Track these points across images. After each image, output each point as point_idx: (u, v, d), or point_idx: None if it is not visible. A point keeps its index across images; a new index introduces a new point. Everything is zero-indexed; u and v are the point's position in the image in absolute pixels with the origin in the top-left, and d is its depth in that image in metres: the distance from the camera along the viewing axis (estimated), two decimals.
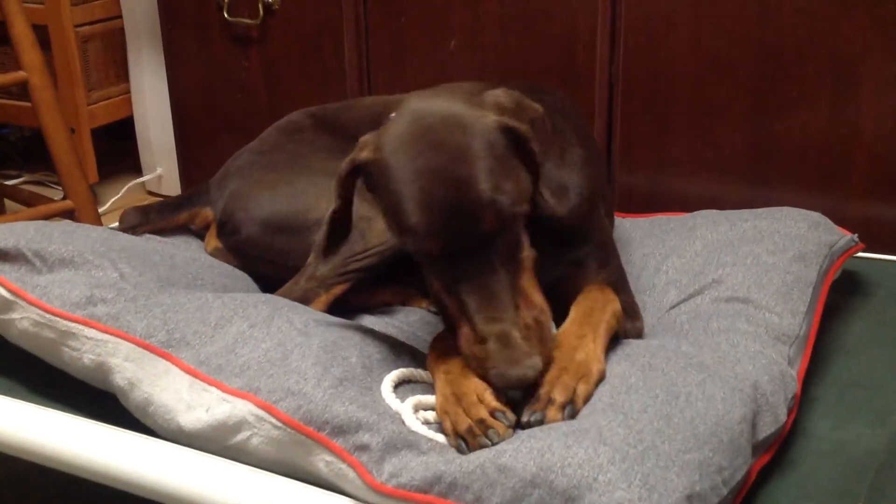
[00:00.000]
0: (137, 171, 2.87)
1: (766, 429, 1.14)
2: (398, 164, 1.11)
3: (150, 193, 2.84)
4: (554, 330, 1.16)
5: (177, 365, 1.22)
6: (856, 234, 1.58)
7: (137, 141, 2.83)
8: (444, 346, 1.19)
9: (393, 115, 1.17)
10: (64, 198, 2.28)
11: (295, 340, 1.21)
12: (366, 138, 1.18)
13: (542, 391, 1.08)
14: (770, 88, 1.83)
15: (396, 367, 1.21)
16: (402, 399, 1.15)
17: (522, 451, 0.99)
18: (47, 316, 1.31)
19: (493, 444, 1.02)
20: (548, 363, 1.10)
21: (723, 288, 1.37)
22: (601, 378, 1.12)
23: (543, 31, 1.98)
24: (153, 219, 1.69)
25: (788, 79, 1.81)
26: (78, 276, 1.35)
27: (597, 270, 1.31)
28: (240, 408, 1.15)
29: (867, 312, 1.55)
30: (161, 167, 2.81)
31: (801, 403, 1.26)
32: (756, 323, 1.28)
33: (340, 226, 1.24)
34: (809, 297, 1.37)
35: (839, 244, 1.52)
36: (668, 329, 1.33)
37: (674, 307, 1.39)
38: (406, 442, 1.07)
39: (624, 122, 1.96)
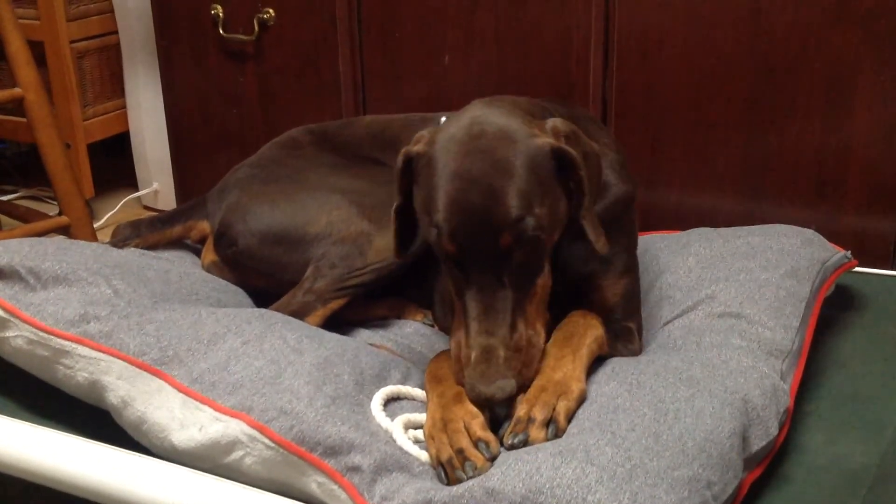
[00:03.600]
0: (133, 187, 2.87)
1: (758, 442, 1.14)
2: (443, 161, 1.14)
3: (146, 208, 2.84)
4: None
5: (170, 383, 1.22)
6: (849, 251, 1.58)
7: (133, 156, 2.84)
8: (442, 367, 1.20)
9: (444, 117, 1.20)
10: (60, 213, 2.28)
11: (288, 358, 1.21)
12: (421, 133, 1.21)
13: (522, 412, 1.09)
14: (763, 103, 1.84)
15: (388, 385, 1.21)
16: (393, 416, 1.15)
17: (511, 475, 0.99)
18: (41, 334, 1.31)
19: (469, 478, 1.02)
20: (527, 386, 1.11)
21: (716, 303, 1.37)
22: (582, 396, 1.12)
23: (537, 47, 1.99)
24: (144, 232, 1.68)
25: (781, 93, 1.82)
26: (72, 293, 1.35)
27: (619, 275, 1.33)
28: (233, 427, 1.15)
29: (860, 326, 1.55)
30: (157, 182, 2.81)
31: (795, 418, 1.27)
32: (749, 338, 1.29)
33: (406, 223, 1.25)
34: (802, 311, 1.37)
35: (832, 260, 1.52)
36: (662, 345, 1.33)
37: (667, 323, 1.39)
38: (398, 464, 1.07)
39: (617, 137, 1.96)
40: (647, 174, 1.97)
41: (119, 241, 1.67)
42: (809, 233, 1.56)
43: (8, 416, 1.32)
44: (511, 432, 1.07)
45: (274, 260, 1.53)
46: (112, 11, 2.71)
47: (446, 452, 1.06)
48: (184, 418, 1.18)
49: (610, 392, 1.13)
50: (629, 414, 1.07)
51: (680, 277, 1.48)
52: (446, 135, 1.16)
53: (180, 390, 1.20)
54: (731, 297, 1.37)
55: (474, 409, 1.10)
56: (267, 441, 1.12)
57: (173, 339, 1.26)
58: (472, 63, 2.06)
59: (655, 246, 1.61)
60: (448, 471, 1.05)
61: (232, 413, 1.16)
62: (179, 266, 1.59)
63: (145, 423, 1.22)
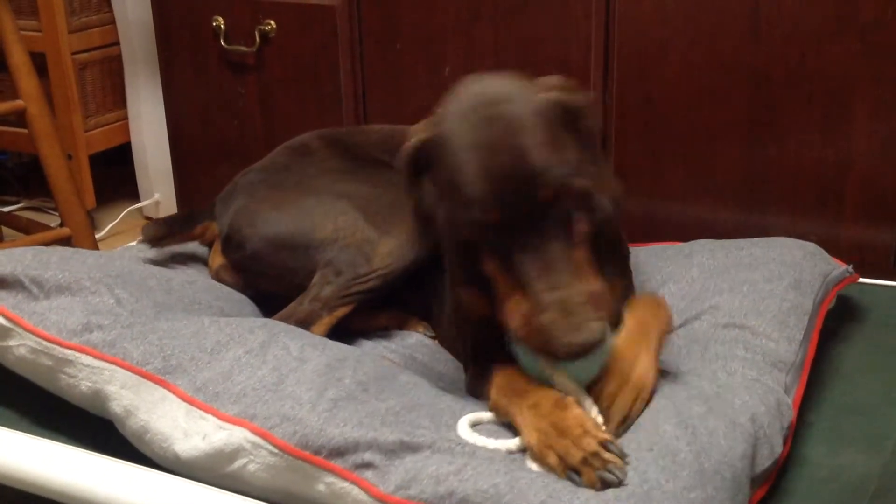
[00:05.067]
0: (135, 197, 2.87)
1: (764, 462, 1.14)
2: (458, 136, 1.13)
3: (147, 219, 2.84)
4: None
5: (173, 392, 1.22)
6: (851, 266, 1.59)
7: (135, 167, 2.84)
8: (514, 381, 1.17)
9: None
10: (61, 224, 2.28)
11: (290, 366, 1.21)
12: (416, 126, 1.21)
13: (602, 405, 1.11)
14: (762, 115, 1.85)
15: (391, 386, 1.21)
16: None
17: (531, 492, 1.00)
18: (44, 343, 1.31)
19: (620, 481, 1.01)
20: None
21: (720, 314, 1.37)
22: (653, 393, 1.14)
23: (536, 59, 1.99)
24: (175, 230, 1.68)
25: (780, 105, 1.83)
26: (75, 302, 1.35)
27: (625, 288, 1.33)
28: (236, 435, 1.15)
29: (861, 337, 1.56)
30: (158, 193, 2.82)
31: (797, 429, 1.27)
32: (753, 350, 1.29)
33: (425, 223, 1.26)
34: (806, 324, 1.37)
35: (833, 274, 1.52)
36: (667, 354, 1.33)
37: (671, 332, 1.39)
38: (410, 456, 1.07)
39: (618, 150, 1.98)
40: (647, 185, 1.97)
41: (153, 239, 1.67)
42: (812, 246, 1.57)
43: (10, 427, 1.32)
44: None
45: (280, 264, 1.54)
46: (114, 23, 2.72)
47: (577, 454, 1.04)
48: (188, 427, 1.19)
49: None
50: (648, 430, 1.08)
51: (683, 287, 1.48)
52: (452, 113, 1.16)
53: (184, 399, 1.21)
54: (735, 308, 1.37)
55: (583, 413, 1.09)
56: (270, 447, 1.13)
57: (176, 349, 1.26)
58: (472, 74, 2.06)
59: (658, 256, 1.61)
60: (584, 471, 1.02)
61: (235, 421, 1.16)
62: (181, 274, 1.60)
63: (148, 432, 1.22)
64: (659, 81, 1.91)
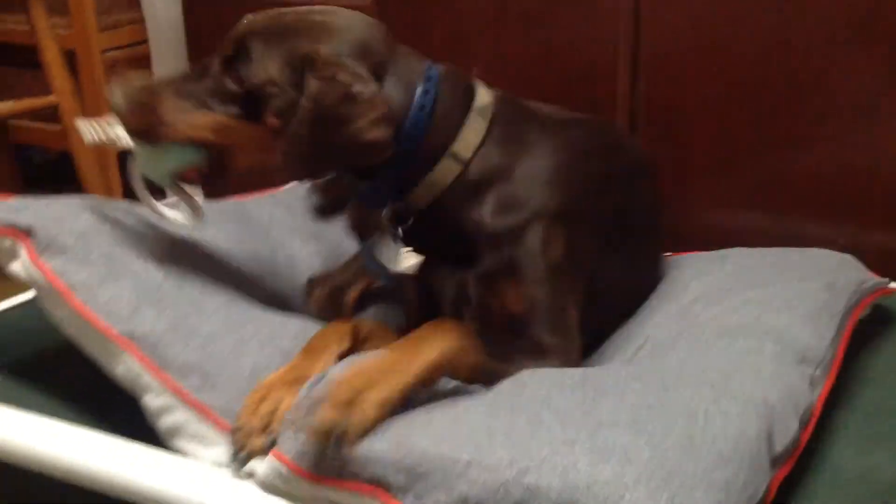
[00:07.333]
0: (161, 194, 2.89)
1: (781, 441, 1.14)
2: None
3: None
4: None
5: (208, 416, 1.22)
6: (888, 279, 1.58)
7: None
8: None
9: None
10: None
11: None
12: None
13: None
14: (790, 120, 1.85)
15: None
16: None
17: (546, 469, 0.99)
18: (91, 328, 1.29)
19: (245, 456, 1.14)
20: None
21: (752, 306, 1.37)
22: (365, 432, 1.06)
23: (564, 62, 2.00)
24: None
25: (808, 111, 1.83)
26: (123, 278, 1.31)
27: (529, 282, 1.26)
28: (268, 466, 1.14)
29: (891, 342, 1.55)
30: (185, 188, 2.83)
31: (825, 431, 1.27)
32: (783, 342, 1.29)
33: None
34: (837, 324, 1.37)
35: (868, 283, 1.52)
36: (693, 339, 1.33)
37: (699, 320, 1.39)
38: (430, 468, 1.05)
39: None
40: (673, 190, 1.97)
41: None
42: (848, 257, 1.57)
43: (53, 416, 1.32)
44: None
45: None
46: (143, 22, 2.75)
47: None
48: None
49: (638, 390, 1.13)
50: (662, 414, 1.08)
51: (719, 278, 1.48)
52: None
53: (217, 424, 1.21)
54: (766, 300, 1.37)
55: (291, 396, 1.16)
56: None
57: (215, 365, 1.25)
58: (500, 76, 2.07)
59: (688, 261, 1.61)
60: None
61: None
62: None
63: (181, 436, 1.23)
64: (687, 86, 1.92)
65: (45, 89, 2.21)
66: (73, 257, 1.32)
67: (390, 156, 1.24)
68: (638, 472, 0.98)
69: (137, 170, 1.36)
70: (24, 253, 1.33)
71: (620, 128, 1.91)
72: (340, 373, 1.11)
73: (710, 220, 1.97)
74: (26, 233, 1.34)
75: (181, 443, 1.22)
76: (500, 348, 1.23)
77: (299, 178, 1.48)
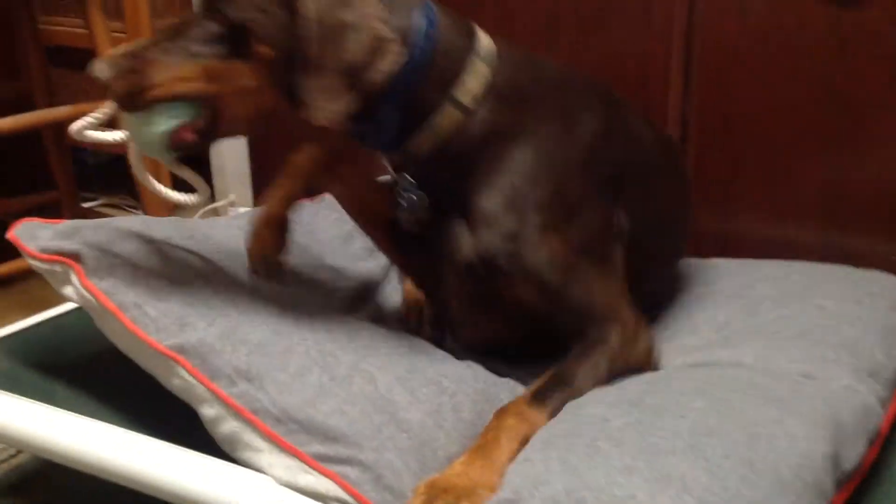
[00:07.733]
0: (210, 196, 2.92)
1: (848, 463, 1.13)
2: None
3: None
4: None
5: (258, 426, 1.22)
6: None
7: (211, 168, 2.89)
8: None
9: None
10: None
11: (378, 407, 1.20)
12: None
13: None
14: (843, 133, 1.83)
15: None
16: None
17: (604, 500, 0.99)
18: (144, 344, 1.31)
19: None
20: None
21: (824, 315, 1.36)
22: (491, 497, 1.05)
23: (616, 72, 2.00)
24: None
25: (862, 124, 1.81)
26: (172, 300, 1.34)
27: (535, 267, 1.26)
28: (323, 484, 1.15)
29: None
30: (233, 193, 2.87)
31: (891, 448, 1.26)
32: (854, 355, 1.27)
33: None
34: None
35: None
36: (765, 339, 1.32)
37: (767, 319, 1.39)
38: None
39: (697, 165, 1.97)
40: (725, 201, 1.97)
41: None
42: None
43: (106, 420, 1.35)
44: None
45: None
46: None
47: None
48: (272, 460, 1.21)
49: (700, 409, 1.12)
50: (722, 438, 1.07)
51: (787, 285, 1.48)
52: None
53: (266, 433, 1.21)
54: (836, 312, 1.36)
55: None
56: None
57: (261, 369, 1.26)
58: None
59: (750, 265, 1.61)
60: None
61: (323, 471, 1.16)
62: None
63: (237, 444, 1.24)
64: (739, 97, 1.90)
65: (102, 93, 2.23)
66: (121, 278, 1.36)
67: (392, 84, 1.21)
68: (696, 502, 0.98)
69: (135, 151, 1.42)
70: (74, 277, 1.38)
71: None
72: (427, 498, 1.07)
73: (760, 230, 1.95)
74: (76, 258, 1.38)
75: (237, 451, 1.24)
76: (558, 376, 1.23)
77: (300, 109, 1.27)
